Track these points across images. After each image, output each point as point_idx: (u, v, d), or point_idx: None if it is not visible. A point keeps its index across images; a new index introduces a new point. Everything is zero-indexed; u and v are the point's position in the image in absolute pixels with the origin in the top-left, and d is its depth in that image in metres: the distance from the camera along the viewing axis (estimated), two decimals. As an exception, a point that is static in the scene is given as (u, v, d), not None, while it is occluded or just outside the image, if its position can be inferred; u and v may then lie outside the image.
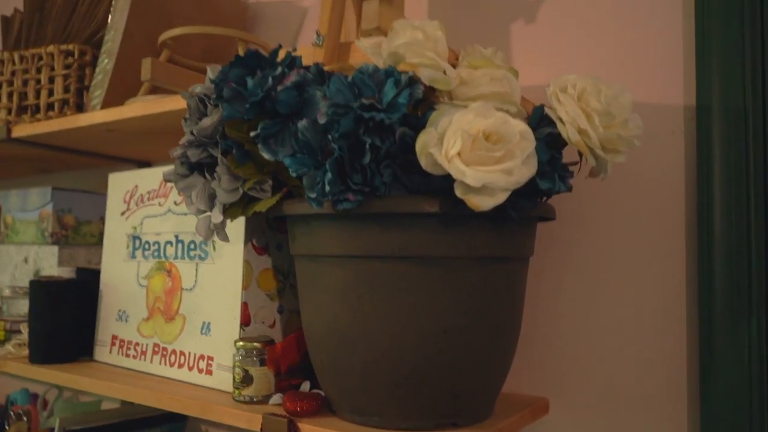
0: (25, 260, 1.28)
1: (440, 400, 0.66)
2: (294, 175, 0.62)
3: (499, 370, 0.70)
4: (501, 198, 0.56)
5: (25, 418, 1.36)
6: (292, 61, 0.67)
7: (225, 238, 0.75)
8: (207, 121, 0.70)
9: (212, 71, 0.74)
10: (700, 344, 0.74)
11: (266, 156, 0.63)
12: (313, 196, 0.59)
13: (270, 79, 0.62)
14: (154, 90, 1.02)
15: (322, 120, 0.58)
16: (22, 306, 1.20)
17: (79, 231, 1.32)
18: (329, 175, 0.57)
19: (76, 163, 1.39)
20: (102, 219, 1.36)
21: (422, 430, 0.66)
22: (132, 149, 1.20)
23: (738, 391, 0.72)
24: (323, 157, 0.60)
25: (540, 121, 0.61)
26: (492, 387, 0.70)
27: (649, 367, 0.79)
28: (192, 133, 0.73)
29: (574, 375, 0.83)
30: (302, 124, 0.60)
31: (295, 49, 0.71)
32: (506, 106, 0.61)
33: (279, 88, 0.62)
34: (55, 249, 1.23)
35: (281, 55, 0.70)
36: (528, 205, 0.62)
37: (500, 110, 0.58)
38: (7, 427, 1.37)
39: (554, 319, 0.85)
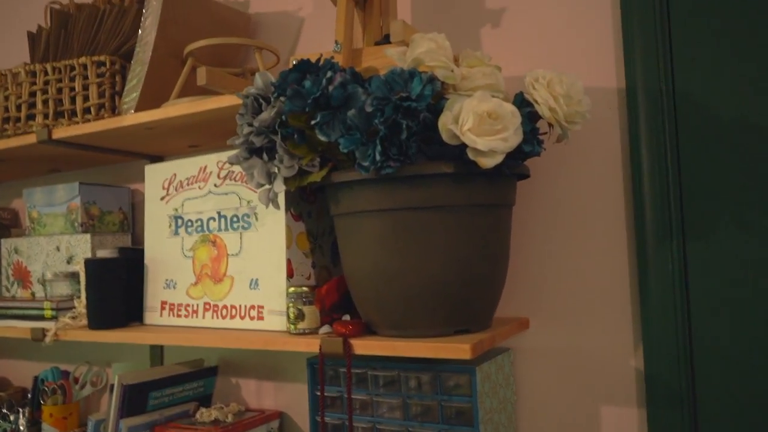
0: (57, 248, 1.44)
1: (457, 312, 0.90)
2: (344, 150, 0.84)
3: (497, 290, 0.94)
4: (500, 159, 0.80)
5: (59, 392, 1.52)
6: (333, 66, 0.88)
7: (277, 205, 0.97)
8: (265, 115, 0.91)
9: (261, 77, 0.95)
10: (638, 263, 1.00)
11: (322, 138, 0.85)
12: (365, 164, 0.81)
13: (324, 81, 0.84)
14: (184, 93, 1.21)
15: (369, 109, 0.80)
16: (63, 287, 1.36)
17: (103, 220, 1.48)
18: (379, 147, 0.79)
19: (92, 161, 1.55)
20: (121, 209, 1.53)
21: (446, 335, 0.90)
22: (155, 145, 1.38)
23: (665, 296, 0.99)
24: (368, 136, 0.83)
25: (521, 102, 0.85)
26: (492, 302, 0.94)
27: (600, 287, 1.05)
28: (250, 124, 0.94)
29: (547, 299, 1.09)
30: (351, 112, 0.82)
31: (332, 56, 0.92)
32: (496, 94, 0.85)
33: (330, 87, 0.84)
34: (87, 237, 1.39)
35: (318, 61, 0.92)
36: (515, 164, 0.86)
37: (494, 97, 0.82)
38: (42, 402, 1.52)
39: (529, 257, 1.11)
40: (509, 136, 0.79)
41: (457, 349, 0.83)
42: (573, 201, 1.07)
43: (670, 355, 0.97)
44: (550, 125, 0.86)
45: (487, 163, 0.79)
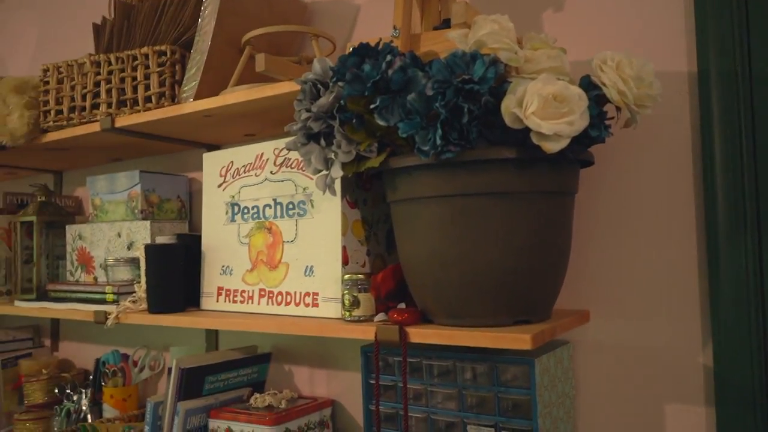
0: (118, 235, 1.47)
1: (517, 302, 0.87)
2: (404, 135, 0.82)
3: (557, 280, 0.91)
4: (565, 143, 0.77)
5: (119, 374, 1.57)
6: (392, 50, 0.87)
7: (333, 191, 0.96)
8: (324, 100, 0.90)
9: (320, 62, 0.94)
10: (708, 256, 0.96)
11: (381, 123, 0.84)
12: (425, 149, 0.80)
13: (384, 65, 0.83)
14: (241, 81, 1.22)
15: (430, 92, 0.79)
16: (124, 272, 1.39)
17: (162, 208, 1.51)
18: (439, 131, 0.78)
19: (152, 150, 1.58)
20: (179, 197, 1.56)
21: (505, 325, 0.88)
22: (212, 134, 1.40)
23: (738, 291, 0.94)
24: (428, 120, 0.81)
25: (588, 85, 0.82)
26: (552, 293, 0.92)
27: (666, 280, 1.00)
28: (308, 110, 0.93)
29: (609, 291, 1.05)
30: (412, 96, 0.81)
31: (391, 41, 0.91)
32: (561, 77, 0.82)
33: (389, 71, 0.83)
34: (147, 223, 1.42)
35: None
36: (580, 149, 0.83)
37: (559, 80, 0.79)
38: (103, 384, 1.57)
39: (591, 247, 1.07)
40: (575, 120, 0.76)
41: (517, 339, 0.81)
42: (639, 190, 1.03)
43: (743, 352, 0.92)
44: (618, 109, 0.83)
45: (552, 147, 0.76)
